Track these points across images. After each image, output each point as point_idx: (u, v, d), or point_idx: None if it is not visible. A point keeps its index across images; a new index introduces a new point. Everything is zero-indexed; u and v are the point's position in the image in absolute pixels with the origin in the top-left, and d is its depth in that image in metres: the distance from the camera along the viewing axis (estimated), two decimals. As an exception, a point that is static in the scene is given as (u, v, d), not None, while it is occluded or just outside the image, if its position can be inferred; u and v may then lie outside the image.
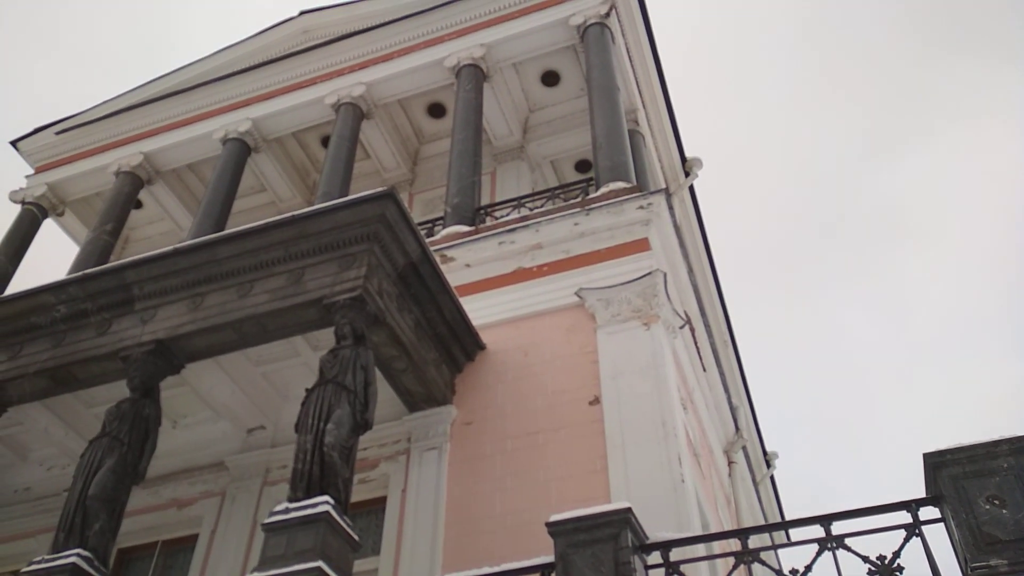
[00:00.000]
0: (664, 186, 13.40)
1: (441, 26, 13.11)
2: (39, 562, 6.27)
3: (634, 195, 9.33)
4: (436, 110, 14.03)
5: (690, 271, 10.61)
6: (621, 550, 4.94)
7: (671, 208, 9.61)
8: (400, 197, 7.40)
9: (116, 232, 13.29)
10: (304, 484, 6.02)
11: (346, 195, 10.99)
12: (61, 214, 14.85)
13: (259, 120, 13.48)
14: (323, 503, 5.77)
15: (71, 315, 7.85)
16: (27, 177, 14.84)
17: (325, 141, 13.67)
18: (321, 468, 6.07)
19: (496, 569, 5.21)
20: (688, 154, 14.90)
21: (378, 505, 8.27)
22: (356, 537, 6.01)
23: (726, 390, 12.73)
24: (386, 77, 12.99)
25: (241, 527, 8.40)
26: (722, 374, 12.75)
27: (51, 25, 50.10)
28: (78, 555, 6.21)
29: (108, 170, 14.09)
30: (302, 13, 14.97)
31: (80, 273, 8.03)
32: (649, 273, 8.63)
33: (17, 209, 14.30)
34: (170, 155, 14.15)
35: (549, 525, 5.07)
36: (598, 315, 8.53)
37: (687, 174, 14.89)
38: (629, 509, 5.07)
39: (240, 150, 13.34)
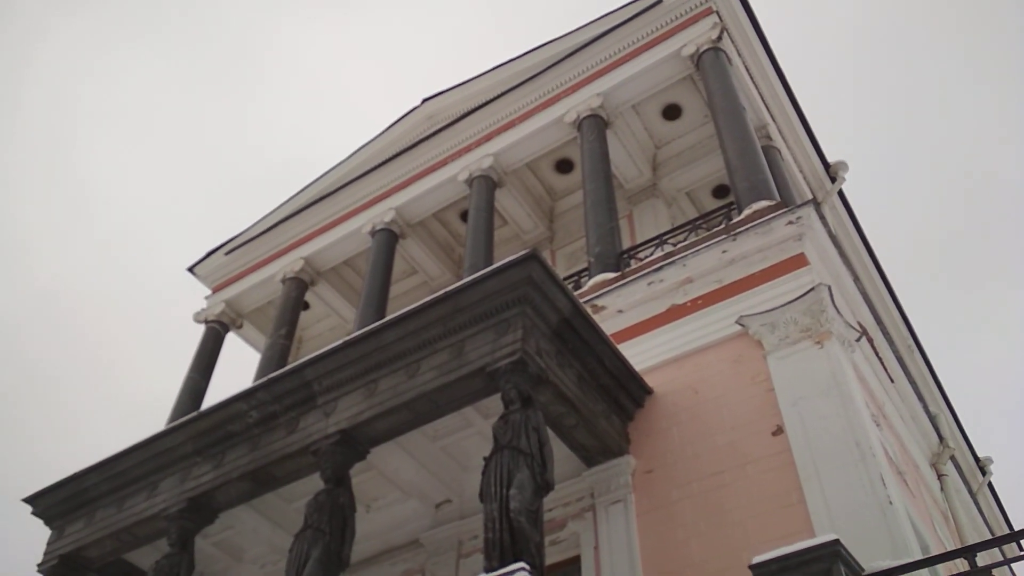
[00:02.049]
0: (811, 197, 12.87)
1: (555, 85, 13.38)
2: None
3: (781, 212, 9.01)
4: (564, 166, 14.24)
5: (856, 279, 10.04)
6: (836, 585, 4.63)
7: (823, 218, 9.19)
8: (542, 256, 7.51)
9: (290, 335, 14.21)
10: (497, 553, 6.07)
11: (491, 264, 11.26)
12: (240, 326, 16.07)
13: (401, 208, 14.17)
14: (519, 570, 5.78)
15: (262, 418, 8.42)
16: (206, 298, 16.23)
17: (464, 216, 14.17)
18: (511, 535, 6.11)
19: (705, 619, 5.00)
20: (831, 159, 14.27)
21: (572, 565, 8.19)
22: (557, 600, 5.97)
23: (920, 399, 11.82)
24: (511, 144, 13.35)
25: (444, 602, 8.55)
26: (912, 382, 11.87)
27: (200, 158, 55.16)
28: (300, 645, 6.50)
29: (275, 279, 15.18)
30: (424, 101, 15.75)
31: (265, 378, 8.61)
32: (812, 289, 8.25)
33: (202, 328, 15.62)
34: (327, 255, 15.08)
35: (754, 567, 4.85)
36: (765, 341, 8.21)
37: (833, 180, 14.25)
38: (837, 541, 4.76)
39: (388, 239, 14.02)
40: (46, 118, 51.67)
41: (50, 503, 9.53)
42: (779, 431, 7.48)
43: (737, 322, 8.49)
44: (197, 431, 8.75)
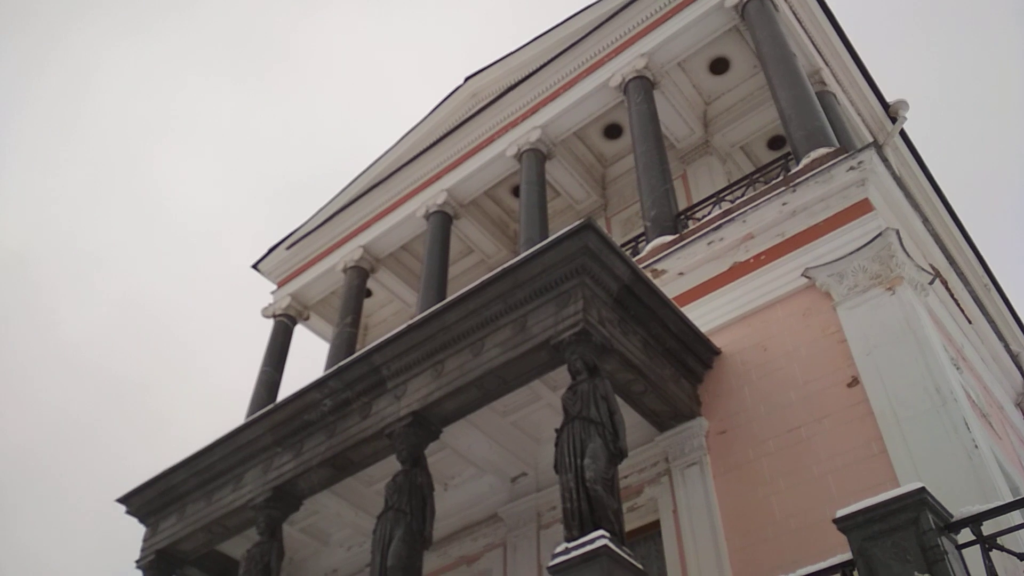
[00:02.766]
0: (871, 140, 12.45)
1: (597, 49, 13.19)
2: (360, 634, 6.81)
3: (841, 158, 8.74)
4: (613, 131, 14.05)
5: (925, 221, 9.70)
6: (925, 534, 4.51)
7: (885, 160, 8.90)
8: (598, 225, 7.45)
9: (356, 323, 14.44)
10: (577, 522, 6.10)
11: (546, 237, 11.22)
12: (307, 318, 16.40)
13: (452, 189, 14.21)
14: (599, 537, 5.80)
15: (336, 406, 8.60)
16: (272, 293, 16.59)
17: (515, 191, 14.14)
18: (589, 504, 6.13)
19: (792, 575, 4.94)
20: (889, 99, 13.77)
21: (652, 530, 8.20)
22: (640, 566, 5.98)
23: (1001, 338, 11.42)
24: (557, 115, 13.23)
25: (528, 573, 8.66)
26: (991, 322, 11.46)
27: (255, 160, 56.26)
28: (391, 623, 6.67)
29: (336, 269, 15.43)
30: (467, 79, 15.71)
31: (335, 367, 8.79)
32: (879, 234, 8.00)
33: (271, 323, 15.99)
34: (384, 242, 15.25)
35: (838, 521, 4.75)
36: (833, 291, 8.01)
37: (893, 120, 13.75)
38: (923, 489, 4.63)
39: (443, 221, 14.10)
40: (111, 135, 53.39)
41: (142, 501, 9.94)
42: (855, 382, 7.32)
43: (803, 275, 8.30)
44: (275, 422, 9.00)
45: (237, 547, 9.44)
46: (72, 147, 51.24)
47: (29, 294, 47.72)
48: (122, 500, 10.07)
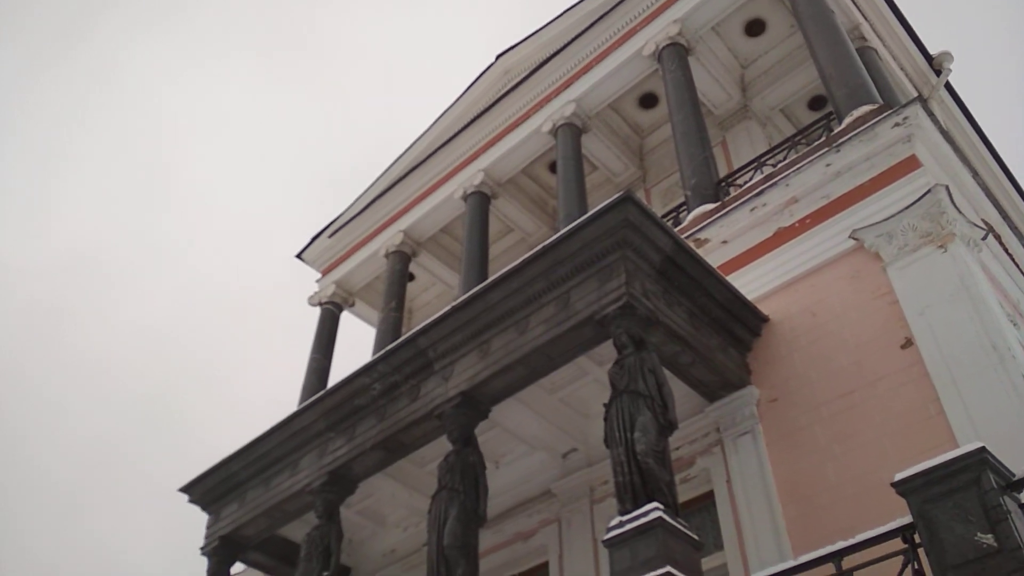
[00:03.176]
0: (916, 94, 12.09)
1: (628, 19, 13.00)
2: (421, 612, 6.93)
3: (885, 114, 8.51)
4: (648, 100, 13.87)
5: (975, 175, 9.41)
6: (987, 494, 4.43)
7: (931, 115, 8.63)
8: (637, 197, 7.39)
9: (400, 307, 14.57)
10: (630, 495, 6.11)
11: (585, 212, 11.16)
12: (352, 305, 16.59)
13: (489, 168, 14.18)
14: (653, 509, 5.81)
15: (385, 389, 8.71)
16: (317, 281, 16.81)
17: (552, 167, 14.06)
18: (641, 476, 6.13)
19: (852, 541, 4.88)
20: (933, 51, 13.35)
21: (706, 501, 8.18)
22: (695, 536, 5.98)
23: (1060, 292, 11.05)
24: (591, 87, 13.10)
25: (583, 547, 8.72)
26: (1050, 275, 11.10)
27: (295, 154, 56.84)
28: (450, 600, 6.78)
29: (378, 255, 15.56)
30: (498, 57, 15.62)
31: (382, 352, 8.89)
32: (928, 191, 7.80)
33: (317, 312, 16.22)
34: (424, 225, 15.32)
35: (897, 484, 4.68)
36: (882, 252, 7.84)
37: (938, 73, 13.34)
38: (983, 448, 4.55)
39: (481, 201, 14.09)
40: (151, 134, 54.44)
41: (203, 490, 10.20)
42: (908, 343, 7.17)
43: (851, 236, 8.13)
44: (327, 408, 9.15)
45: (297, 531, 9.64)
46: (120, 149, 52.44)
47: (97, 289, 49.13)
48: (184, 489, 10.36)
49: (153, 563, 38.13)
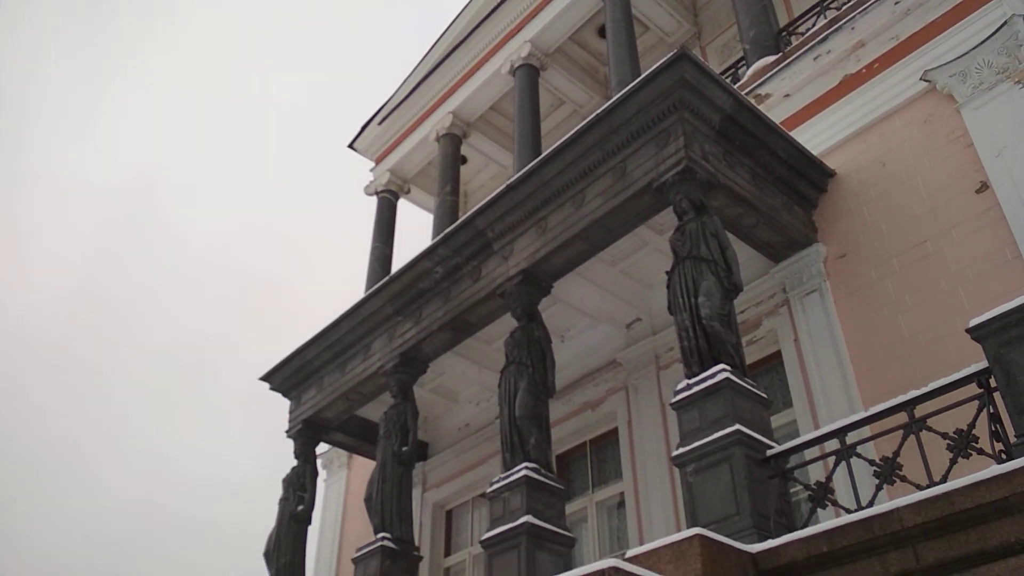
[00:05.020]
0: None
1: None
2: (498, 481, 7.22)
3: (958, -59, 7.82)
4: (699, -49, 13.03)
5: (1060, 0, 8.67)
6: (1068, 335, 4.30)
7: (1010, -63, 7.89)
8: (693, 54, 7.05)
9: (455, 191, 14.52)
10: (696, 359, 6.14)
11: (638, 76, 10.75)
12: (408, 192, 16.60)
13: (535, 39, 13.66)
14: (721, 371, 5.84)
15: (447, 272, 8.81)
16: (371, 171, 16.81)
17: (601, 31, 13.43)
18: (707, 340, 6.13)
19: (925, 389, 4.83)
20: None
21: (774, 361, 8.19)
22: (764, 395, 6.01)
23: None
24: (637, -59, 12.34)
25: (651, 412, 8.89)
26: None
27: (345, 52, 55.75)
28: (526, 468, 7.04)
29: (429, 139, 15.39)
30: (536, -82, 14.73)
31: (441, 235, 8.93)
32: (1004, 23, 7.24)
33: (374, 200, 16.30)
34: (472, 105, 15.00)
35: (972, 329, 4.57)
36: (956, 92, 7.39)
37: None
38: (1067, 288, 4.37)
39: (529, 75, 13.67)
40: (200, 43, 54.03)
41: (283, 378, 10.67)
42: (984, 187, 6.85)
43: (922, 79, 7.67)
44: (392, 293, 9.33)
45: (375, 411, 10.06)
46: (173, 63, 52.45)
47: (162, 207, 50.37)
48: (264, 378, 10.84)
49: (248, 454, 40.73)
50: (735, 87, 7.95)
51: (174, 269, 48.45)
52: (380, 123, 16.64)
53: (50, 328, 42.33)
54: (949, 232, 6.92)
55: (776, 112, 8.59)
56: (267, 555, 9.65)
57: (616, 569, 3.94)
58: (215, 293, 49.15)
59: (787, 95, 8.84)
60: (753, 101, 8.44)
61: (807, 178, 8.00)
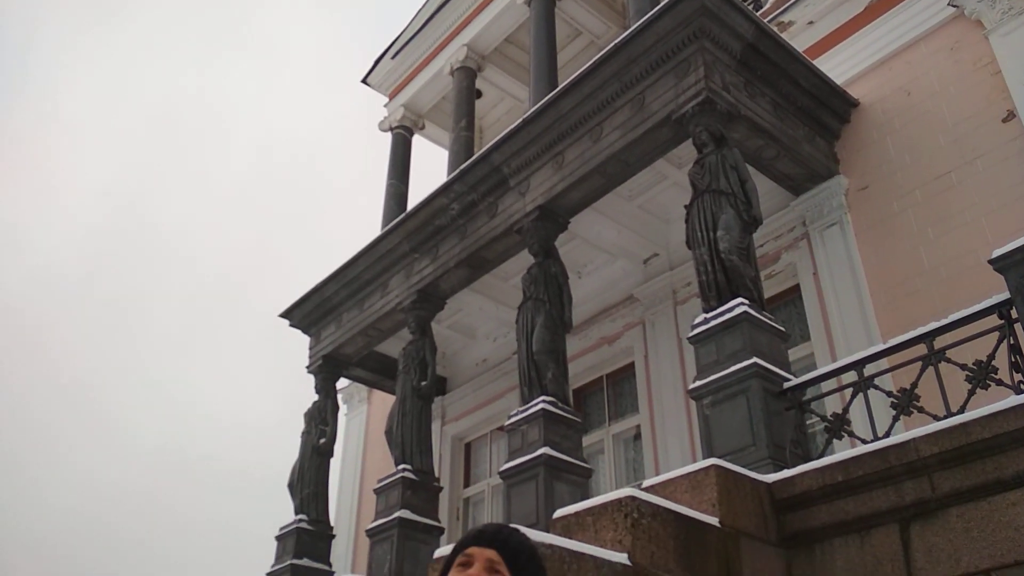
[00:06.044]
0: None
1: None
2: (516, 414, 7.32)
3: None
4: None
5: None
6: (1094, 267, 4.24)
7: None
8: (714, -20, 6.84)
9: (470, 126, 14.31)
10: (714, 293, 6.13)
11: (657, 3, 10.48)
12: (423, 127, 16.40)
13: (551, -33, 13.29)
14: (738, 304, 5.83)
15: (464, 208, 8.77)
16: (385, 106, 16.60)
17: (619, -41, 13.09)
18: (725, 274, 6.11)
19: (945, 321, 4.81)
20: None
21: (792, 295, 8.16)
22: (781, 328, 6.01)
23: None
24: None
25: (668, 346, 8.92)
26: None
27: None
28: (544, 401, 7.12)
29: (443, 72, 15.12)
30: None
31: (457, 171, 8.87)
32: (1041, -58, 6.96)
33: (388, 137, 16.15)
34: (487, 37, 14.68)
35: (995, 260, 4.52)
36: (984, 18, 7.16)
37: None
38: (1093, 219, 4.30)
39: (545, 4, 13.30)
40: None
41: (302, 314, 10.77)
42: (1011, 116, 6.70)
43: (949, 3, 7.44)
44: (409, 230, 9.33)
45: (394, 347, 10.17)
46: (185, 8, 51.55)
47: (180, 150, 50.21)
48: (284, 315, 10.95)
49: (270, 397, 41.40)
50: (757, 14, 7.74)
51: (195, 211, 48.57)
52: (393, 57, 16.36)
53: (71, 269, 42.80)
54: (974, 162, 6.80)
55: (799, 40, 8.38)
56: (291, 486, 9.91)
57: (633, 498, 4.00)
58: (235, 235, 49.35)
59: (810, 22, 8.61)
60: (775, 29, 8.22)
61: (830, 108, 7.84)
